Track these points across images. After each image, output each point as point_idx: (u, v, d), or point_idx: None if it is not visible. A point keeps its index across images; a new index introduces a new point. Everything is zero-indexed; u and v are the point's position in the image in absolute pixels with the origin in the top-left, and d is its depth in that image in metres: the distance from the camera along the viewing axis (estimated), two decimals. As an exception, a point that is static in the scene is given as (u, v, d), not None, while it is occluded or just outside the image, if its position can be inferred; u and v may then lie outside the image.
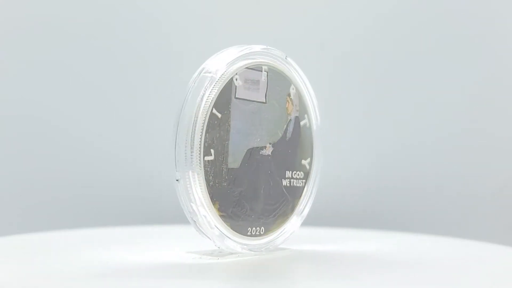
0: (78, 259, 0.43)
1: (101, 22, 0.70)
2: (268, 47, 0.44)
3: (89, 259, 0.43)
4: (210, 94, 0.41)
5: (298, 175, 0.47)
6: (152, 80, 0.70)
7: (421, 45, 0.70)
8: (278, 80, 0.45)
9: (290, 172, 0.46)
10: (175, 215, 0.67)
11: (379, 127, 0.70)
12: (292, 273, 0.41)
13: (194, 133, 0.40)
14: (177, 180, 0.40)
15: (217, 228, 0.41)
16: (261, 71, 0.44)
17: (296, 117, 0.47)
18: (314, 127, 0.48)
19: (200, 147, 0.40)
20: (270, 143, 0.45)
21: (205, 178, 0.40)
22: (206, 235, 0.41)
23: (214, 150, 0.41)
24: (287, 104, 0.46)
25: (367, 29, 0.70)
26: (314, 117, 0.48)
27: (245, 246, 0.43)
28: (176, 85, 0.70)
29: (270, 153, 0.45)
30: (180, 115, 0.40)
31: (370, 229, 0.63)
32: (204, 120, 0.40)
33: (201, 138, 0.40)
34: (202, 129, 0.40)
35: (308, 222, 0.49)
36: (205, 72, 0.41)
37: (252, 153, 0.43)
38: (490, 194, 0.69)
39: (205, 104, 0.40)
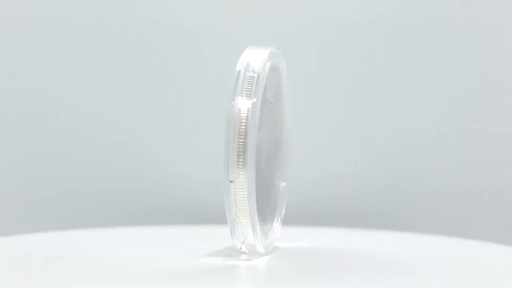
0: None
1: (117, 18, 0.69)
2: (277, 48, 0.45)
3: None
4: (259, 95, 0.41)
5: (278, 174, 0.47)
6: (166, 78, 0.70)
7: (419, 41, 0.70)
8: (278, 80, 0.46)
9: (276, 171, 0.47)
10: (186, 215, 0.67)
11: (377, 126, 0.70)
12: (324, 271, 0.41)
13: (251, 134, 0.40)
14: (231, 182, 0.40)
15: (257, 229, 0.41)
16: (273, 71, 0.44)
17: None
18: (287, 125, 0.48)
19: (253, 148, 0.40)
20: (272, 143, 0.45)
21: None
22: (243, 237, 0.41)
23: (258, 150, 0.41)
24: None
25: (363, 25, 0.70)
26: (287, 116, 0.49)
27: (264, 246, 0.44)
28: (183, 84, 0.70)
29: (272, 153, 0.45)
30: (233, 116, 0.40)
31: (368, 228, 0.63)
32: (256, 120, 0.40)
33: (255, 139, 0.40)
34: (255, 130, 0.40)
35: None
36: (249, 72, 0.41)
37: (267, 153, 0.44)
38: (490, 194, 0.69)
39: (256, 104, 0.40)
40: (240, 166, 0.39)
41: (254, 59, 0.41)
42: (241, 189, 0.39)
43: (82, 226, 0.63)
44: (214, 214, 0.64)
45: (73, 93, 0.69)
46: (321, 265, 0.43)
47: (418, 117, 0.70)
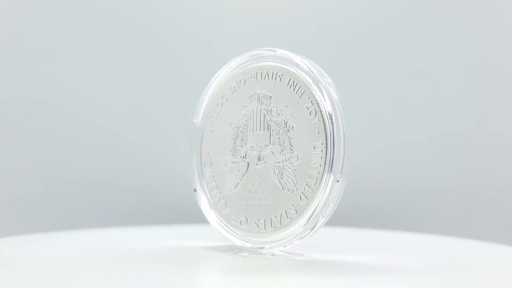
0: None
1: (126, 12, 0.69)
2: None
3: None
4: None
5: None
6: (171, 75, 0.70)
7: (419, 41, 0.70)
8: None
9: None
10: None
11: (376, 125, 0.70)
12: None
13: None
14: (337, 181, 0.41)
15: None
16: None
17: None
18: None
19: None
20: None
21: None
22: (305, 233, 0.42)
23: None
24: None
25: (362, 23, 0.70)
26: None
27: None
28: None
29: None
30: (324, 119, 0.41)
31: (368, 228, 0.63)
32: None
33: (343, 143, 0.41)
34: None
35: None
36: (322, 76, 0.43)
37: None
38: (490, 194, 0.69)
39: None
40: (343, 169, 0.41)
41: (313, 65, 0.44)
42: (337, 191, 0.41)
43: (81, 226, 0.63)
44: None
45: (76, 87, 0.69)
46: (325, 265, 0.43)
47: (418, 117, 0.70)
